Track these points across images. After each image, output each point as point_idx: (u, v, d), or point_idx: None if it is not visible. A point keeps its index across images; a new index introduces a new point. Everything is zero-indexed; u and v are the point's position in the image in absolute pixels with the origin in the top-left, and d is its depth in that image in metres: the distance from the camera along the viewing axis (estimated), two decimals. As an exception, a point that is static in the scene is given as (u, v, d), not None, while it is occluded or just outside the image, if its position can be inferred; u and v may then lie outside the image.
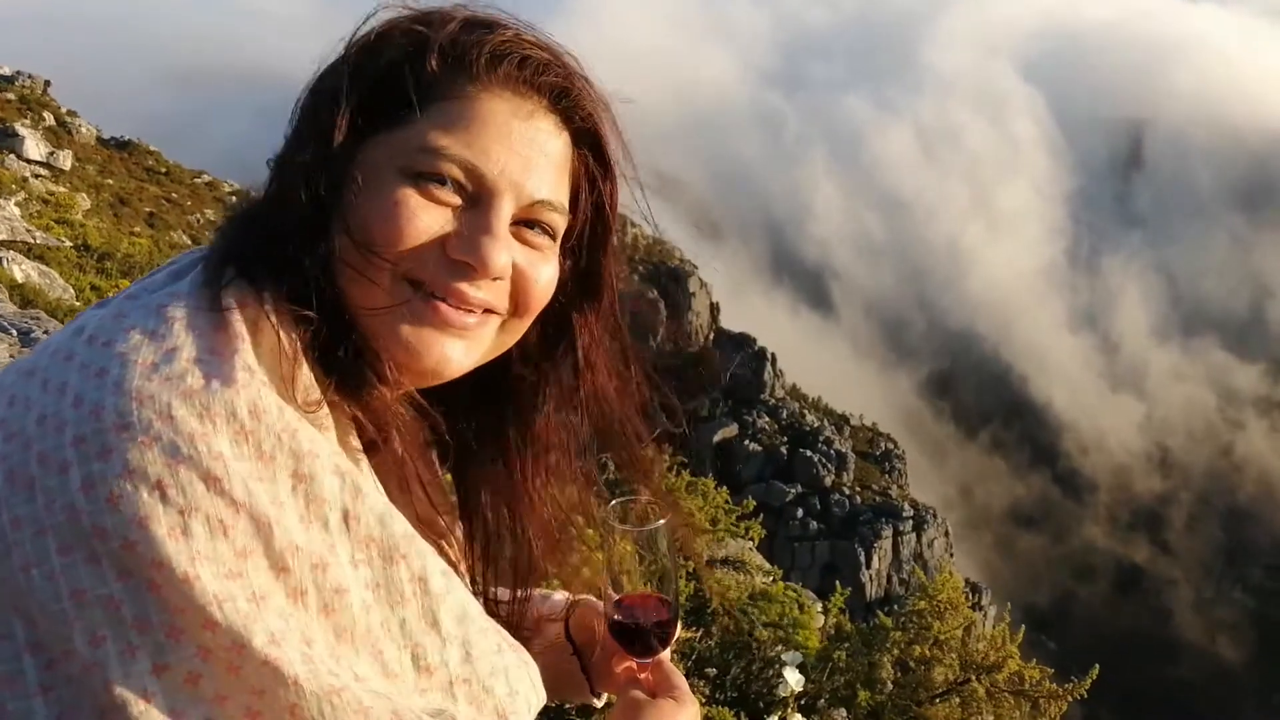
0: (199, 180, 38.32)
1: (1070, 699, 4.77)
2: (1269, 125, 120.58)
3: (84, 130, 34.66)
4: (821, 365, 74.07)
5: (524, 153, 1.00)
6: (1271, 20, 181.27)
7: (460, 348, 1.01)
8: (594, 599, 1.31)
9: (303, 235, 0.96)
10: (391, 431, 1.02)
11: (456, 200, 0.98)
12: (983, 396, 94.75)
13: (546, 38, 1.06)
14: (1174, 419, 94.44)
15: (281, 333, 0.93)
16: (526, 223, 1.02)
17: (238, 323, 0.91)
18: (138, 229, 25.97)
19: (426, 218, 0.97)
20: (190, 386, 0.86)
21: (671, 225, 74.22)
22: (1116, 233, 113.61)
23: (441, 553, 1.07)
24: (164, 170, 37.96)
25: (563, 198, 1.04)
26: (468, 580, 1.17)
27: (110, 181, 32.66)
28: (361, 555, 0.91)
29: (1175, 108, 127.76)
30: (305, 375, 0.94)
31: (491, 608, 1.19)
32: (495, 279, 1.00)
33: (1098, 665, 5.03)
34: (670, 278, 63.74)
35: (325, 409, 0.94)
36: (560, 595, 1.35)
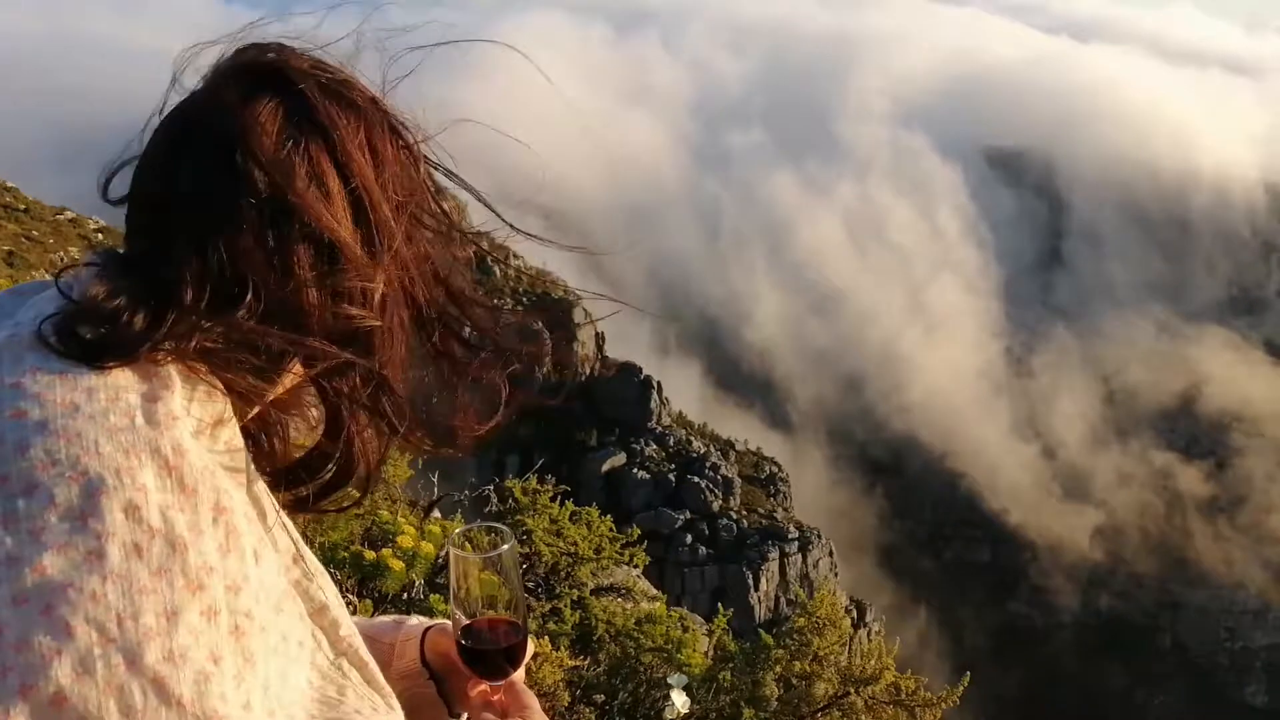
0: (61, 217, 36.64)
1: (944, 706, 4.97)
2: (1172, 205, 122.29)
3: (-67, 166, 33.01)
4: (807, 492, 71.92)
5: None
6: (1160, 59, 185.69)
7: None
8: (449, 623, 1.35)
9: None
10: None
11: None
12: (939, 512, 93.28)
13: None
14: (1127, 527, 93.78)
15: (196, 377, 0.98)
16: None
17: (148, 365, 0.96)
18: (-5, 269, 24.92)
19: None
20: (115, 424, 0.90)
21: (634, 347, 70.71)
22: (1044, 327, 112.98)
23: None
24: (23, 207, 36.05)
25: None
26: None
27: (-36, 220, 31.26)
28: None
29: (1086, 187, 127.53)
30: (227, 421, 1.00)
31: None
32: None
33: (969, 673, 5.26)
34: (555, 308, 63.79)
35: (244, 454, 1.01)
36: (415, 620, 1.40)
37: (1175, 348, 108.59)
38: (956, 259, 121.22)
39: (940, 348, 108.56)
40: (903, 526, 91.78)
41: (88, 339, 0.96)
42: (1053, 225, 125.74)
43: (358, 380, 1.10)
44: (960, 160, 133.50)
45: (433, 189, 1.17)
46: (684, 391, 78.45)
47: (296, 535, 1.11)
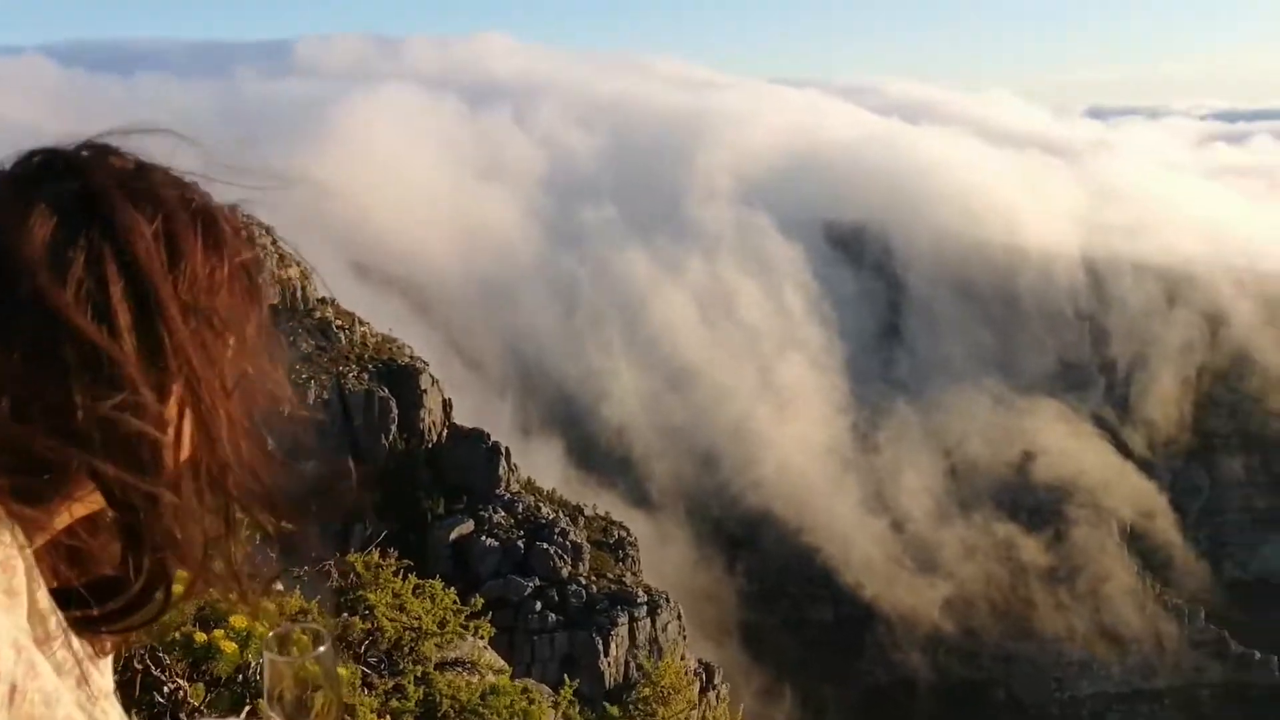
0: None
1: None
2: (1002, 281, 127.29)
3: None
4: (670, 572, 71.26)
5: None
6: (984, 141, 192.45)
7: None
8: None
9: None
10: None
11: None
12: (797, 586, 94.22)
13: None
14: (975, 598, 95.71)
15: None
16: None
17: None
18: None
19: None
20: None
21: (497, 427, 68.89)
22: (887, 402, 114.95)
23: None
24: None
25: None
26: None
27: None
28: None
29: (920, 265, 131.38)
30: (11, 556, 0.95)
31: None
32: None
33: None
34: (401, 375, 62.77)
35: (23, 576, 0.96)
36: None
37: (1010, 420, 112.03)
38: (802, 336, 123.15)
39: (790, 423, 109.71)
40: (764, 605, 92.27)
41: None
42: (891, 301, 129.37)
43: (149, 503, 1.01)
44: (802, 239, 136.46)
45: (250, 291, 1.10)
46: (547, 471, 77.76)
47: (82, 655, 1.05)
